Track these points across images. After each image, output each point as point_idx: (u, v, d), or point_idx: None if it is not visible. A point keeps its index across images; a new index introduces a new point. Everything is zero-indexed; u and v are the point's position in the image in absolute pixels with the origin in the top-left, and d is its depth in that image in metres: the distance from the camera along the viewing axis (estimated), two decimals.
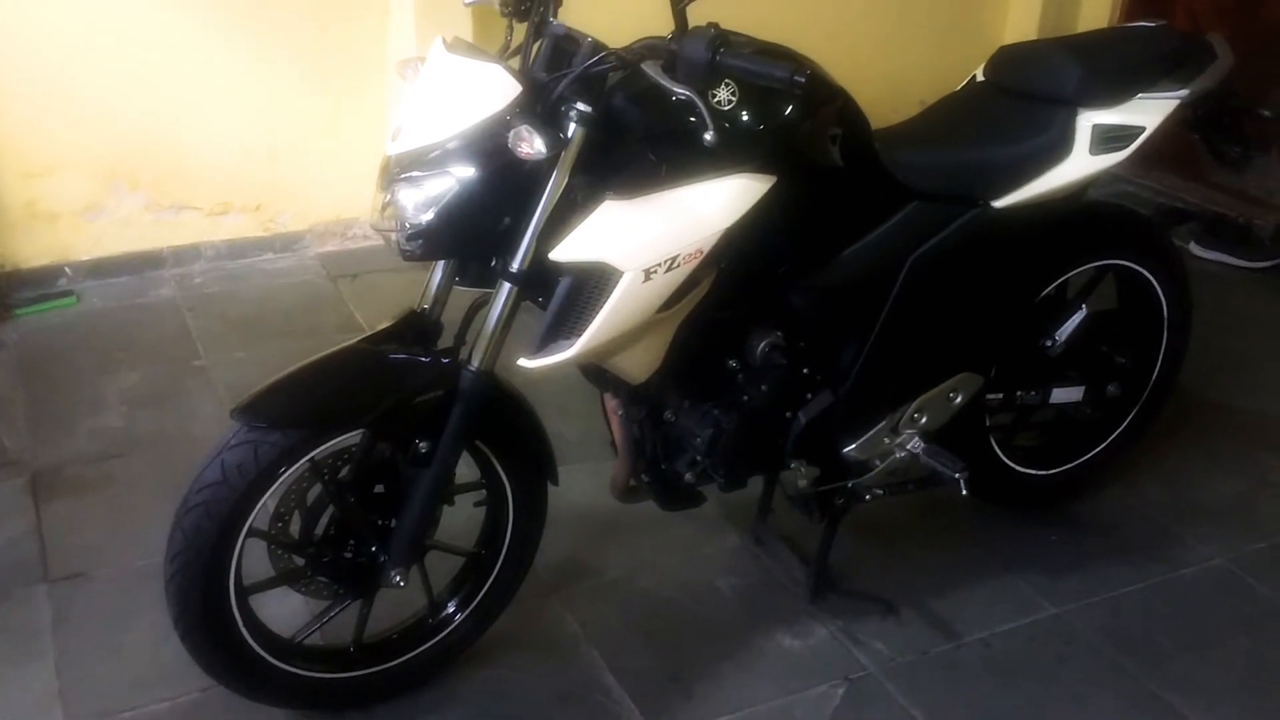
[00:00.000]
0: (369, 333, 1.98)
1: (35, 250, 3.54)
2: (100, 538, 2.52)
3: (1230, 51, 2.42)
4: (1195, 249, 4.10)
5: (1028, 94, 2.29)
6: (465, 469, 2.04)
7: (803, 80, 1.66)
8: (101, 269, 3.62)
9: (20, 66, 3.34)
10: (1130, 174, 4.53)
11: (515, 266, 1.81)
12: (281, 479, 1.86)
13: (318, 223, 3.90)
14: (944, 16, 4.83)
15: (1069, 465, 2.70)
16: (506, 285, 1.84)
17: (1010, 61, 2.39)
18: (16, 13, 3.30)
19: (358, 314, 3.52)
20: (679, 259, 1.81)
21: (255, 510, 1.85)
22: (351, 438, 1.90)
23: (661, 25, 1.87)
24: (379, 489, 1.98)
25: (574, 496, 2.22)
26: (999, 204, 2.20)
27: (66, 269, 3.59)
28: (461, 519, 2.14)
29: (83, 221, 3.58)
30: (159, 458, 2.81)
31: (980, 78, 2.43)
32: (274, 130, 3.72)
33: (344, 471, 1.95)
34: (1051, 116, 2.24)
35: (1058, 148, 2.22)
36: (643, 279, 1.79)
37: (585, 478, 2.51)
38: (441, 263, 1.99)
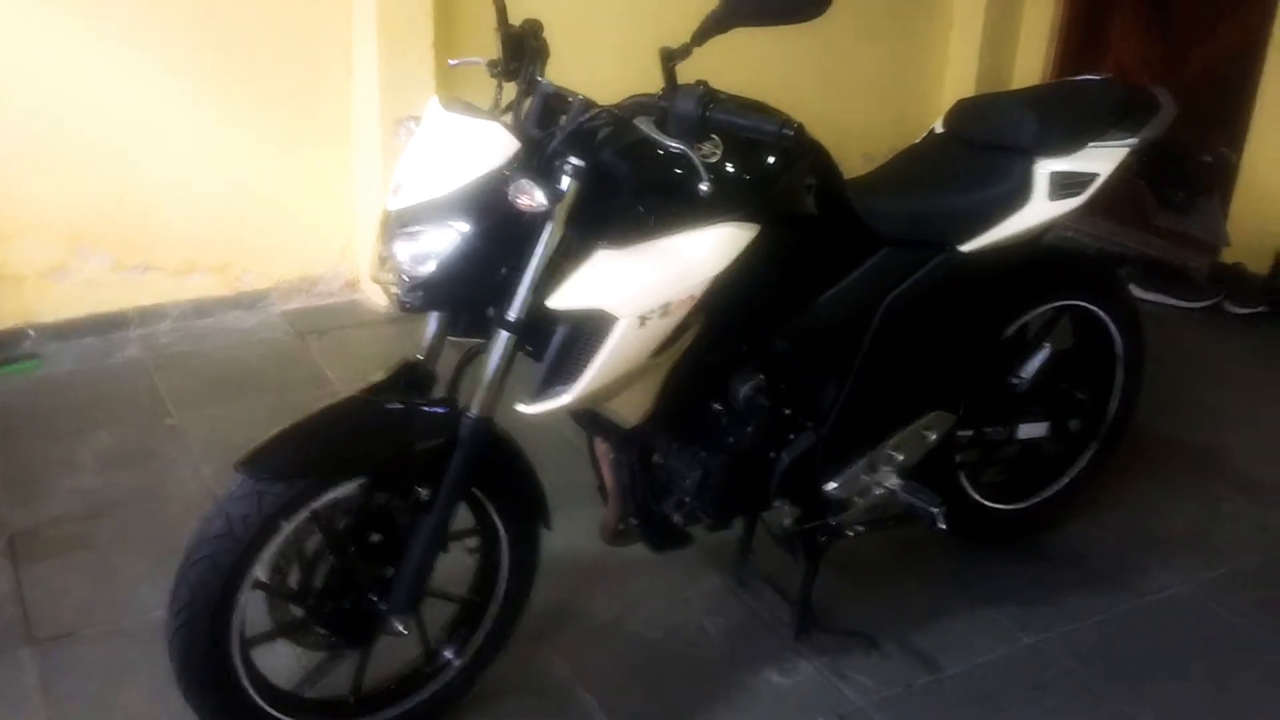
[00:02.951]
0: (367, 384, 2.02)
1: None
2: (83, 598, 2.51)
3: (1172, 102, 2.57)
4: (1136, 291, 4.26)
5: (987, 144, 2.41)
6: (459, 515, 2.08)
7: (791, 133, 1.75)
8: (66, 330, 3.61)
9: None
10: (1071, 221, 4.69)
11: (513, 315, 1.86)
12: (284, 530, 1.88)
13: (283, 280, 3.92)
14: (885, 72, 5.02)
15: (1035, 499, 2.79)
16: (504, 334, 1.88)
17: (969, 114, 2.51)
18: None
19: (326, 369, 3.54)
20: (671, 305, 1.88)
21: (259, 561, 1.87)
22: (351, 488, 1.93)
23: (633, 82, 1.96)
24: (375, 538, 2.01)
25: (558, 544, 2.26)
26: (965, 248, 2.31)
27: (30, 331, 3.57)
28: (453, 566, 2.17)
29: (47, 283, 3.57)
30: (137, 516, 2.80)
31: (940, 129, 2.55)
32: (239, 189, 3.75)
33: (342, 521, 1.97)
34: (1011, 165, 2.35)
35: (1018, 194, 2.34)
36: (638, 324, 1.86)
37: (569, 526, 2.53)
38: (436, 315, 2.03)
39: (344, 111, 3.82)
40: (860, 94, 4.90)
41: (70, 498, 2.87)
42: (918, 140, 2.59)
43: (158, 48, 3.50)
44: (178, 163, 3.64)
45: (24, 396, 3.35)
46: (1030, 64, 5.13)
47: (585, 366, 1.86)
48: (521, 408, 1.90)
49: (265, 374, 3.52)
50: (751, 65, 4.12)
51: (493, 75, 2.05)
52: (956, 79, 5.11)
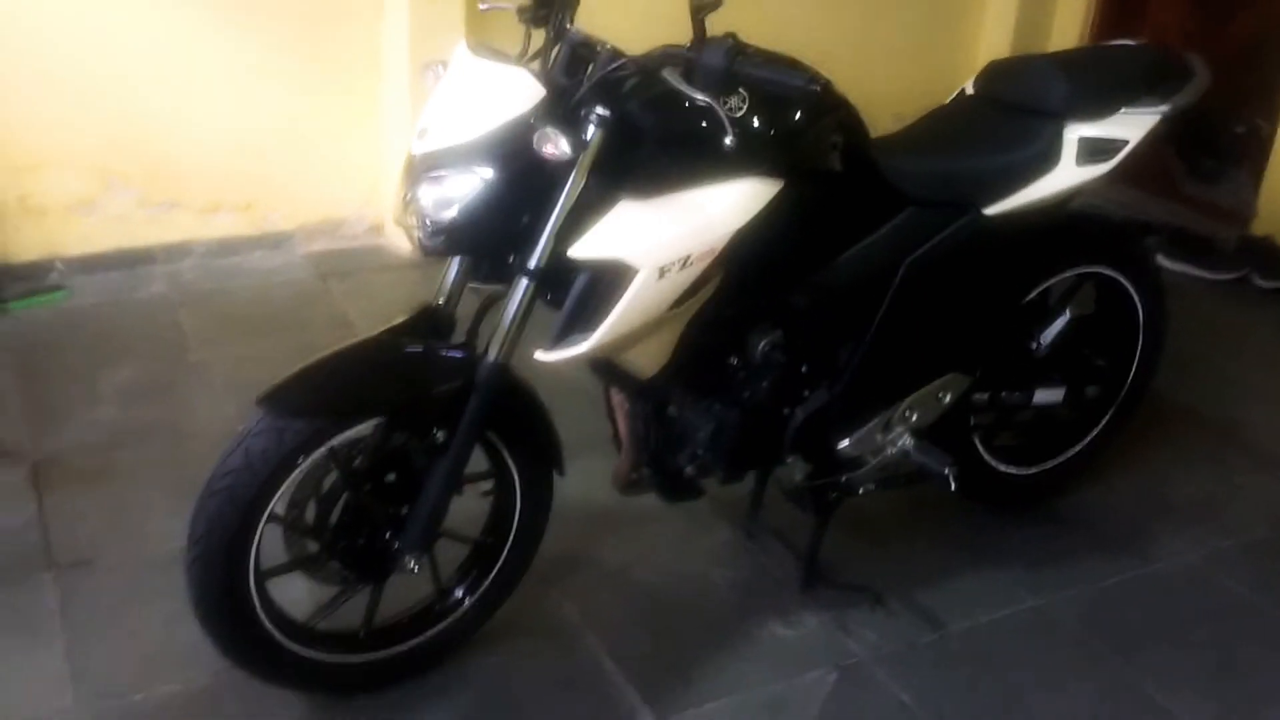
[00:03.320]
0: (387, 326, 2.04)
1: (26, 244, 3.56)
2: (103, 527, 2.56)
3: (1207, 70, 2.54)
4: (1162, 260, 4.22)
5: (1017, 107, 2.39)
6: (474, 459, 2.10)
7: (817, 89, 1.75)
8: (92, 264, 3.64)
9: (11, 59, 3.36)
10: (1099, 188, 4.65)
11: (533, 263, 1.87)
12: (302, 466, 1.91)
13: (307, 222, 3.94)
14: (919, 33, 4.96)
15: (1048, 464, 2.80)
16: (524, 281, 1.90)
17: (1000, 75, 2.49)
18: (7, 10, 3.32)
19: (349, 312, 3.57)
20: (692, 258, 1.89)
21: (276, 496, 1.90)
22: (367, 427, 1.95)
23: (662, 33, 1.95)
24: (391, 478, 2.04)
25: (570, 492, 2.29)
26: (990, 211, 2.30)
27: (57, 263, 3.61)
28: (467, 508, 2.20)
29: (74, 217, 3.60)
30: (157, 449, 2.84)
31: (970, 90, 2.53)
32: (265, 129, 3.76)
33: (359, 460, 2.00)
34: (1040, 128, 2.34)
35: (1046, 158, 2.32)
36: (657, 276, 1.87)
37: (581, 475, 2.55)
38: (456, 260, 2.05)
39: (373, 53, 3.81)
40: (893, 54, 4.85)
41: (92, 429, 2.92)
42: (947, 100, 2.57)
43: None
44: (205, 101, 3.65)
45: (49, 328, 3.39)
46: (1068, 27, 5.05)
47: (604, 316, 1.87)
48: (540, 354, 1.91)
49: (287, 314, 3.55)
50: (783, 23, 4.09)
51: (521, 21, 2.04)
52: (991, 40, 5.05)
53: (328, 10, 3.72)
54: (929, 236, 2.26)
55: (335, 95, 3.81)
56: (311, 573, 2.08)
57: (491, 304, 2.02)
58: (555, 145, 1.77)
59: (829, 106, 2.05)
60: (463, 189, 1.82)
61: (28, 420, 2.93)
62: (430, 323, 2.05)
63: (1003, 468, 2.73)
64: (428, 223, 1.86)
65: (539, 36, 2.03)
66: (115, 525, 2.56)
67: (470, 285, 2.08)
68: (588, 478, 2.44)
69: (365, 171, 3.94)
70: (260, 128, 3.75)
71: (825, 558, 2.51)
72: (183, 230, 3.75)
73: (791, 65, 1.86)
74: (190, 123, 3.65)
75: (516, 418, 2.08)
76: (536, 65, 1.97)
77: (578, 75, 1.91)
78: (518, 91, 1.83)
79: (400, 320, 2.05)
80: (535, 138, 1.79)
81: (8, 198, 3.49)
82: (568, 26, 1.99)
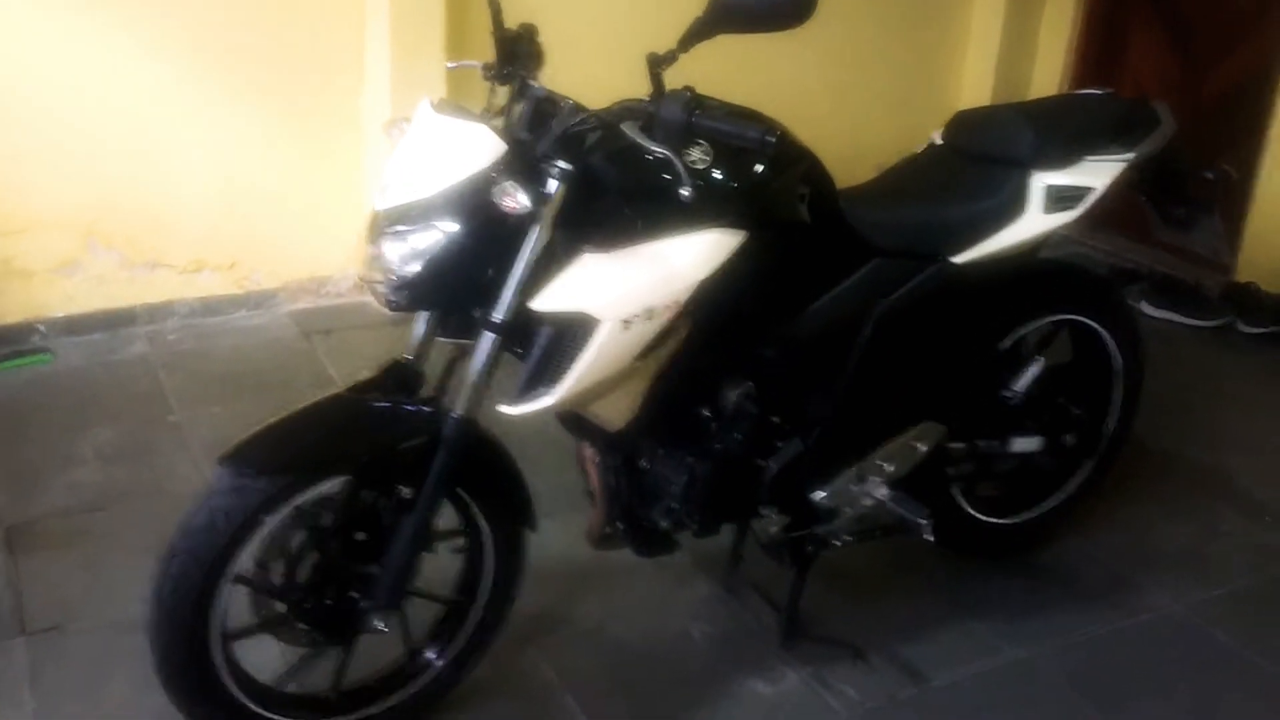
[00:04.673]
0: (354, 383, 2.03)
1: (9, 307, 3.57)
2: (76, 592, 2.53)
3: (1173, 118, 2.56)
4: (1146, 308, 4.24)
5: (984, 156, 2.41)
6: (445, 516, 2.09)
7: (773, 140, 1.76)
8: (75, 326, 3.65)
9: None
10: (1082, 235, 4.69)
11: (498, 316, 1.87)
12: (266, 525, 1.89)
13: (291, 280, 3.95)
14: (901, 83, 5.01)
15: (1029, 514, 2.78)
16: (489, 335, 1.90)
17: (967, 125, 2.51)
18: None
19: (331, 369, 3.57)
20: (656, 309, 1.89)
21: (240, 556, 1.88)
22: (335, 485, 1.94)
23: (628, 87, 1.96)
24: (360, 536, 2.02)
25: (548, 547, 2.28)
26: (958, 259, 2.30)
27: (40, 326, 3.61)
28: (440, 566, 2.18)
29: (57, 278, 3.61)
30: (134, 512, 2.82)
31: (938, 141, 2.55)
32: (248, 188, 3.78)
33: (326, 518, 1.99)
34: (1006, 177, 2.35)
35: (1012, 206, 2.33)
36: (621, 328, 1.86)
37: (557, 529, 2.54)
38: (425, 315, 2.05)
39: (355, 111, 3.85)
40: (874, 104, 4.91)
41: (69, 492, 2.90)
42: (916, 151, 2.59)
43: (169, 45, 3.54)
44: (187, 161, 3.68)
45: (31, 390, 3.39)
46: (1048, 77, 5.11)
47: (568, 368, 1.87)
48: (504, 408, 1.91)
49: (269, 373, 3.54)
50: (762, 74, 4.15)
51: (486, 79, 2.06)
52: (973, 91, 5.11)
53: (309, 70, 3.76)
54: (897, 286, 2.26)
55: (318, 154, 3.84)
56: (279, 634, 2.06)
57: (460, 358, 2.03)
58: (514, 199, 1.78)
59: (792, 158, 2.07)
60: (425, 243, 1.83)
61: (4, 483, 2.92)
62: (398, 378, 2.05)
63: (983, 517, 2.71)
64: (392, 278, 1.86)
65: (506, 94, 2.04)
66: (89, 589, 2.54)
67: (439, 339, 2.08)
68: (565, 532, 2.43)
69: (348, 229, 3.94)
70: (243, 187, 3.77)
71: (805, 611, 2.48)
72: (166, 290, 3.76)
73: (750, 117, 1.87)
74: (172, 182, 3.67)
75: (485, 473, 2.07)
76: (500, 122, 1.98)
77: (541, 130, 1.92)
78: (479, 147, 1.84)
79: (367, 376, 2.05)
80: (495, 191, 1.79)
81: None
82: (531, 83, 2.00)
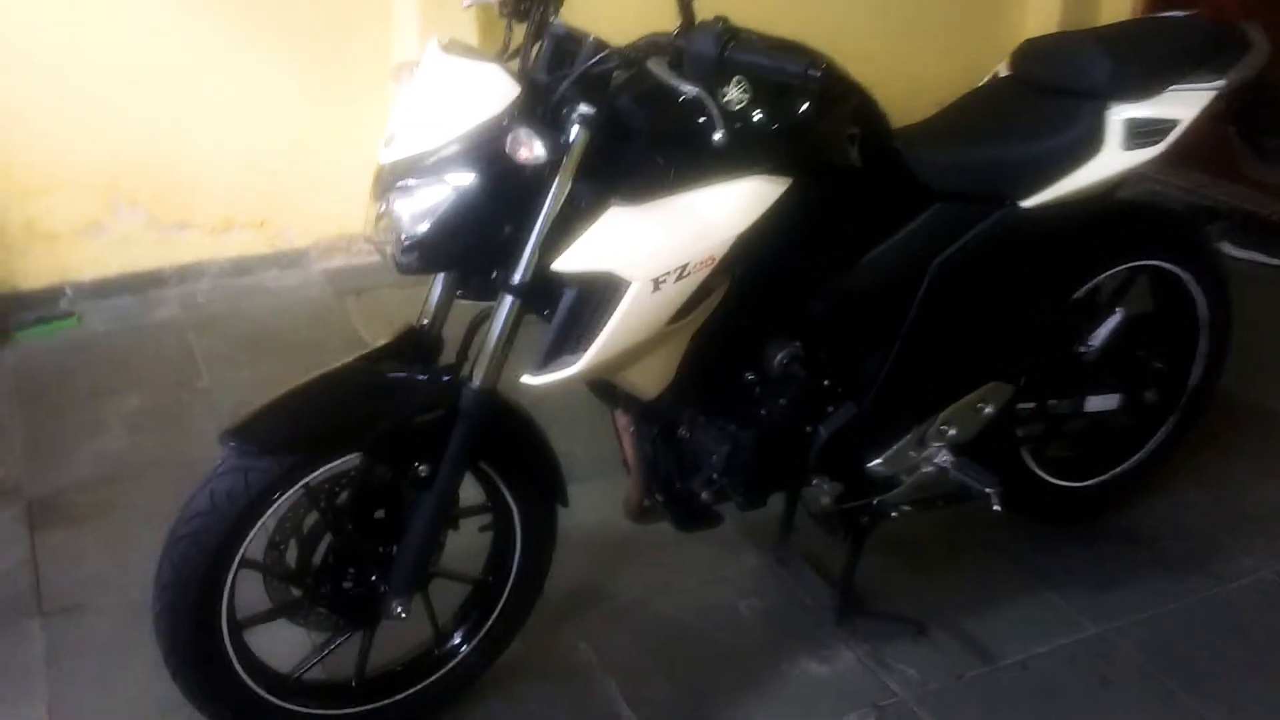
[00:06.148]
0: (366, 350, 1.88)
1: (35, 270, 3.48)
2: (96, 568, 2.44)
3: (1266, 40, 2.31)
4: (1229, 249, 3.96)
5: (1055, 88, 2.18)
6: (471, 492, 1.95)
7: (817, 75, 1.56)
8: (103, 289, 3.56)
9: (16, 81, 3.27)
10: (1158, 172, 4.38)
11: (517, 278, 1.71)
12: (275, 506, 1.76)
13: (322, 238, 3.82)
14: (961, 12, 4.71)
15: (1105, 476, 2.58)
16: (508, 298, 1.74)
17: (1036, 55, 2.28)
18: (12, 27, 3.23)
19: (363, 330, 3.43)
20: (689, 267, 1.71)
21: (247, 540, 1.76)
22: (349, 461, 1.80)
23: (668, 22, 1.77)
24: (379, 514, 1.88)
25: (586, 516, 2.13)
26: (1026, 204, 2.09)
27: (67, 289, 3.52)
28: (467, 544, 2.04)
29: (83, 240, 3.51)
30: (159, 483, 2.71)
31: (1004, 72, 2.33)
32: (276, 144, 3.64)
33: (342, 497, 1.85)
34: (1080, 111, 2.13)
35: (1087, 143, 2.11)
36: (652, 289, 1.69)
37: (597, 496, 2.40)
38: (442, 275, 1.89)
39: (383, 64, 3.67)
40: (931, 35, 4.62)
41: (94, 462, 2.81)
42: (980, 84, 2.37)
43: None
44: (214, 118, 3.54)
45: (57, 356, 3.30)
46: (1119, 2, 4.79)
47: (595, 334, 1.70)
48: (526, 378, 1.75)
49: (300, 335, 3.43)
50: (807, 4, 3.90)
51: (502, 15, 1.88)
52: (1038, 17, 4.79)
53: (336, 23, 3.59)
54: (960, 233, 2.05)
55: (346, 108, 3.67)
56: (297, 619, 1.93)
57: (482, 321, 1.85)
58: (529, 148, 1.61)
59: (841, 94, 1.86)
60: (433, 199, 1.66)
61: (27, 454, 2.83)
62: (414, 345, 1.90)
63: (1055, 481, 2.51)
64: (400, 238, 1.70)
65: (522, 32, 1.86)
66: (109, 566, 2.44)
67: (460, 300, 1.92)
68: (603, 498, 2.28)
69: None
70: (271, 143, 3.63)
71: (862, 584, 2.32)
72: (195, 251, 3.65)
73: (791, 50, 1.67)
74: (199, 140, 3.54)
75: (510, 446, 1.92)
76: (516, 63, 1.80)
77: (561, 71, 1.73)
78: (490, 90, 1.66)
79: (381, 344, 1.90)
80: (508, 140, 1.62)
81: (14, 223, 3.41)
82: (551, 19, 1.81)
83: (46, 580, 2.40)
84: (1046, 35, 2.41)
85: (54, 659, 2.20)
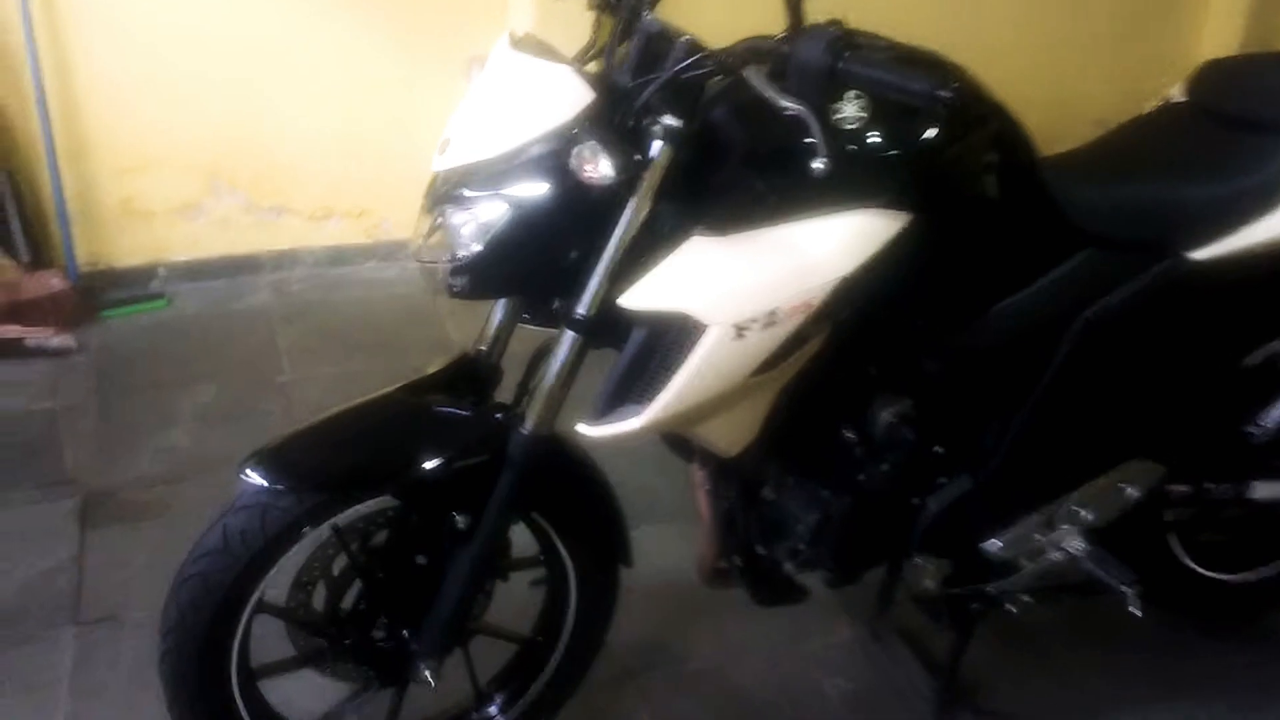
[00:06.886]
0: (415, 378, 1.67)
1: (130, 248, 3.42)
2: (138, 576, 2.31)
3: None
4: None
5: (1241, 120, 1.84)
6: (525, 539, 1.73)
7: (949, 95, 1.28)
8: (197, 271, 3.48)
9: (117, 56, 3.21)
10: None
11: (581, 311, 1.47)
12: (296, 547, 1.57)
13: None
14: (1126, 24, 4.30)
15: (1266, 570, 2.22)
16: (569, 333, 1.50)
17: (1222, 79, 1.94)
18: (111, 6, 3.16)
19: (453, 333, 3.26)
20: (779, 313, 1.45)
21: (263, 582, 1.57)
22: (383, 502, 1.60)
23: (777, 21, 1.52)
24: (421, 560, 1.67)
25: (663, 561, 1.91)
26: (1197, 256, 1.76)
27: (160, 269, 3.45)
28: (520, 597, 1.82)
29: (180, 221, 3.44)
30: (218, 486, 2.55)
31: (1179, 98, 1.99)
32: (380, 133, 3.52)
33: (377, 537, 1.65)
34: (1272, 149, 1.78)
35: (1278, 189, 1.77)
36: (733, 335, 1.44)
37: (677, 539, 2.16)
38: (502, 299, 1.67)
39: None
40: (1090, 50, 4.22)
41: (157, 457, 2.70)
42: (1149, 109, 2.03)
43: None
44: (316, 102, 3.44)
45: (142, 339, 3.22)
46: None
47: (663, 383, 1.46)
48: (583, 428, 1.51)
49: (388, 333, 3.28)
50: (953, 9, 3.56)
51: (591, 8, 1.65)
52: (1219, 36, 4.34)
53: (447, 11, 3.43)
54: (1112, 286, 1.74)
55: (454, 98, 3.48)
56: (322, 670, 1.74)
57: (547, 352, 1.62)
58: (595, 165, 1.38)
59: (977, 116, 1.57)
60: (489, 217, 1.44)
61: (94, 444, 2.74)
62: (469, 374, 1.68)
63: (1206, 572, 2.17)
64: (451, 258, 1.48)
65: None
66: (151, 575, 2.29)
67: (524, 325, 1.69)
68: (684, 545, 2.03)
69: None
70: (374, 131, 3.50)
71: (968, 673, 2.03)
72: (291, 237, 3.55)
73: (919, 62, 1.40)
74: (301, 124, 3.44)
75: (566, 498, 1.70)
76: (598, 65, 1.57)
77: (648, 76, 1.49)
78: (560, 96, 1.44)
79: (433, 369, 1.69)
80: (572, 155, 1.38)
81: (111, 200, 3.33)
82: (644, 14, 1.57)
83: (88, 585, 2.28)
84: (1235, 56, 2.08)
85: (80, 672, 2.08)
